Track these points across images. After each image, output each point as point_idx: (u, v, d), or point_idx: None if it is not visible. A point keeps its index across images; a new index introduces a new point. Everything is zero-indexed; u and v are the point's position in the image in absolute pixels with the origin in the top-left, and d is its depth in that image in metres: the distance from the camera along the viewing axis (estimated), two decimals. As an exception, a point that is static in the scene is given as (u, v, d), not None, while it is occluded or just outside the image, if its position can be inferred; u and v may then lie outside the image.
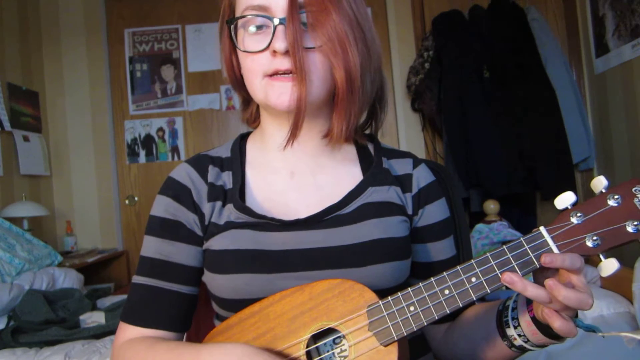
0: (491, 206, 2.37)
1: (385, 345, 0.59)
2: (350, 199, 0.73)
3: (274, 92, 0.68)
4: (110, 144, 3.17)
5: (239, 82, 0.77)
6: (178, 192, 0.75)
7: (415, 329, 0.59)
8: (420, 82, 2.82)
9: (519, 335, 0.64)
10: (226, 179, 0.76)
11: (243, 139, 0.83)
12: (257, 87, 0.70)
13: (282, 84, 0.68)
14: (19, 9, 2.92)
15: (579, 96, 2.75)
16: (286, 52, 0.66)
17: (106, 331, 1.74)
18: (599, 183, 0.59)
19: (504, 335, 0.65)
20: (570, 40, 2.93)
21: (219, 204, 0.74)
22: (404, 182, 0.78)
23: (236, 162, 0.78)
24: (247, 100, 0.81)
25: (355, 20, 0.69)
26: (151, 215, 0.76)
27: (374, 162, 0.78)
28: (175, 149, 3.21)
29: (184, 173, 0.77)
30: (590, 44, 2.75)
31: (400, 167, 0.79)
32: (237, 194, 0.74)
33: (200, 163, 0.78)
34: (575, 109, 2.66)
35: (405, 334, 0.59)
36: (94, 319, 1.89)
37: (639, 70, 2.33)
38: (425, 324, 0.59)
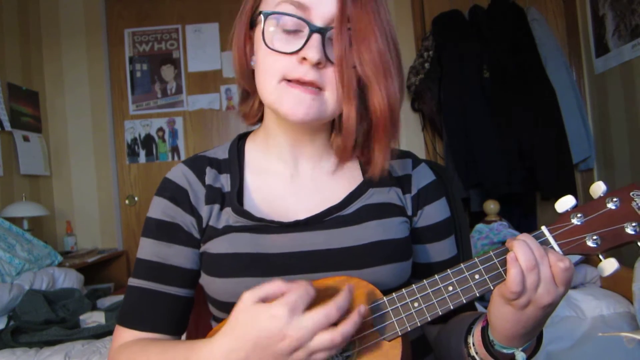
0: (491, 206, 2.37)
1: (389, 341, 0.60)
2: (351, 200, 0.73)
3: (289, 101, 0.65)
4: (110, 144, 3.17)
5: (245, 73, 0.73)
6: (175, 193, 0.74)
7: (419, 324, 0.60)
8: (420, 82, 2.82)
9: (472, 344, 0.65)
10: (224, 182, 0.75)
11: (241, 139, 0.82)
12: (271, 89, 0.67)
13: (301, 94, 0.64)
14: (19, 9, 2.92)
15: (579, 96, 2.75)
16: (317, 64, 0.63)
17: (106, 331, 1.74)
18: (598, 188, 0.61)
19: (466, 343, 0.66)
20: (570, 40, 2.93)
21: (216, 207, 0.73)
22: (403, 183, 0.77)
23: (234, 164, 0.77)
24: (248, 92, 0.78)
25: (393, 45, 0.67)
26: (148, 217, 0.75)
27: None
28: (175, 149, 3.21)
29: (180, 174, 0.75)
30: (590, 44, 2.75)
31: (400, 167, 0.79)
32: (235, 198, 0.73)
33: (197, 164, 0.77)
34: (575, 109, 2.66)
35: (409, 329, 0.60)
36: (94, 319, 1.89)
37: (639, 70, 2.33)
38: (429, 319, 0.60)
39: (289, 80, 0.65)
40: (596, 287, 1.88)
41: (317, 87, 0.65)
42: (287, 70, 0.65)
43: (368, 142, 0.71)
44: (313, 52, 0.63)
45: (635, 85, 2.36)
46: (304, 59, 0.63)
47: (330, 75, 0.65)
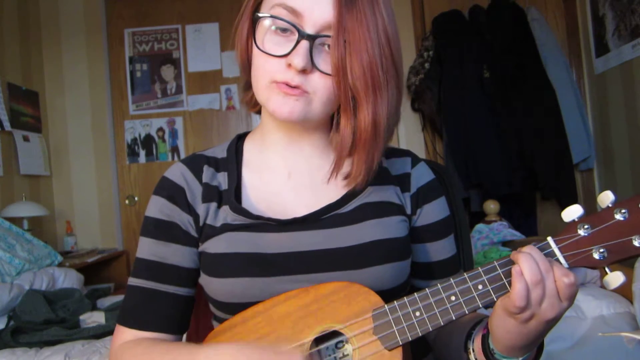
0: (491, 206, 2.37)
1: (390, 350, 0.59)
2: (349, 198, 0.73)
3: (275, 101, 0.66)
4: (110, 144, 3.17)
5: (246, 66, 0.75)
6: (172, 192, 0.74)
7: (420, 334, 0.59)
8: (420, 82, 2.82)
9: (472, 350, 0.64)
10: (221, 180, 0.75)
11: (240, 139, 0.82)
12: (261, 87, 0.68)
13: (285, 96, 0.65)
14: (19, 9, 2.92)
15: (579, 96, 2.75)
16: (302, 71, 0.64)
17: (106, 331, 1.74)
18: (606, 198, 0.58)
19: (466, 347, 0.65)
20: (570, 40, 2.93)
21: (213, 205, 0.73)
22: (402, 181, 0.77)
23: (232, 163, 0.77)
24: (250, 84, 0.78)
25: (390, 58, 0.66)
26: (146, 216, 0.75)
27: None
28: (175, 149, 3.21)
29: (178, 173, 0.76)
30: (590, 44, 2.75)
31: (398, 166, 0.79)
32: (232, 196, 0.72)
33: (195, 163, 0.77)
34: (575, 109, 2.67)
35: (410, 338, 0.59)
36: (94, 319, 1.89)
37: (639, 70, 2.33)
38: (430, 329, 0.59)
39: (278, 82, 0.66)
40: (596, 287, 1.88)
41: (303, 91, 0.66)
42: (275, 73, 0.65)
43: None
44: (298, 59, 0.63)
45: (635, 85, 2.36)
46: (290, 65, 0.64)
47: (316, 80, 0.65)
